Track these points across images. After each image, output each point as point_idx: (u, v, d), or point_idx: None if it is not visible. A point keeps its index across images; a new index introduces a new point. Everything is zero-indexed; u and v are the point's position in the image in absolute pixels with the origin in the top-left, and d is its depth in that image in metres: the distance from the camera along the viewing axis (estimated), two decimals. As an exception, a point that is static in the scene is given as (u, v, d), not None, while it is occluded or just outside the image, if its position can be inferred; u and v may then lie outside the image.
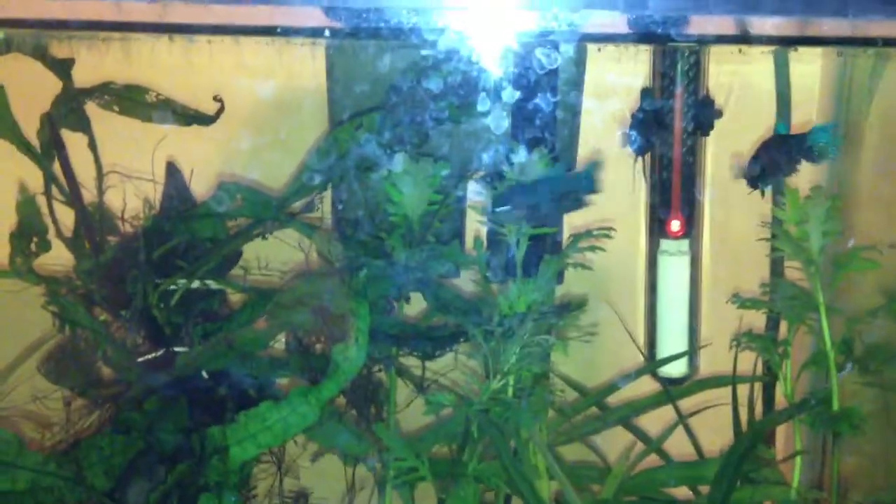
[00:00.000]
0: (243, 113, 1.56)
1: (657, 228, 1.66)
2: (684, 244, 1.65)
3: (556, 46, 1.15)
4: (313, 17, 0.99)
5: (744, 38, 1.07)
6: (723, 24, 1.06)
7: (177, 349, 1.43)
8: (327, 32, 0.98)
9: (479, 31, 1.03)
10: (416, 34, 1.01)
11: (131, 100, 1.59)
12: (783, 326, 1.64)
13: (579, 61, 1.45)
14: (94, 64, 1.51)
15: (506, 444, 1.37)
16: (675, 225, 1.64)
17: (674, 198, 1.64)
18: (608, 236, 1.46)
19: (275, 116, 1.55)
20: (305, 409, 1.17)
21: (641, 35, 1.10)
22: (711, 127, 1.64)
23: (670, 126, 1.62)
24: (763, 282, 1.61)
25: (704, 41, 1.09)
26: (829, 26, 1.10)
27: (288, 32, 0.99)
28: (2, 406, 1.52)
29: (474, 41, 1.12)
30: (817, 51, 1.54)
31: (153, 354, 1.42)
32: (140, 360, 1.41)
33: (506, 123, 1.35)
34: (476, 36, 1.06)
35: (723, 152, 1.66)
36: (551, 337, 1.33)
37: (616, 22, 1.08)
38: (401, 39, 1.06)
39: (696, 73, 1.59)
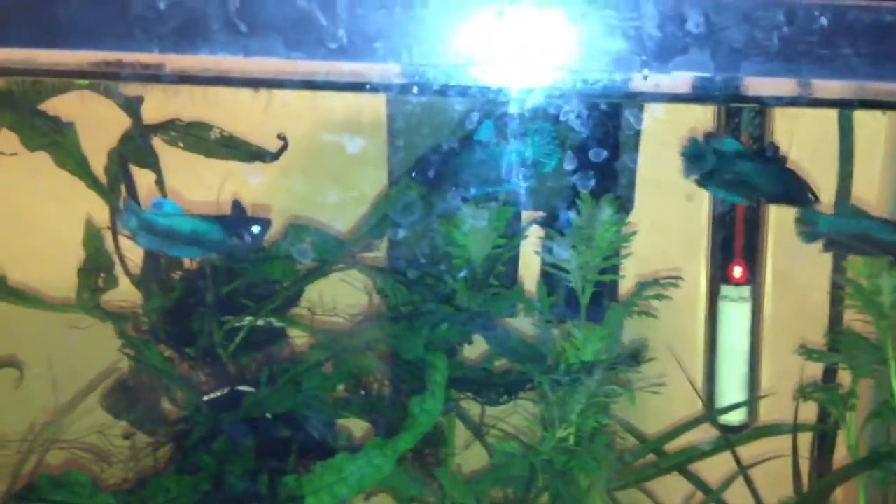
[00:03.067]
0: (307, 154, 1.57)
1: (718, 274, 1.65)
2: (746, 290, 1.64)
3: (640, 107, 1.15)
4: (390, 72, 1.00)
5: (808, 101, 1.07)
6: (788, 85, 1.06)
7: (241, 388, 1.44)
8: (416, 89, 0.99)
9: (561, 90, 1.03)
10: (503, 93, 1.01)
11: (196, 136, 1.61)
12: (840, 376, 1.63)
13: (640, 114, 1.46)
14: (165, 104, 1.53)
15: (569, 493, 1.36)
16: (738, 271, 1.63)
17: (736, 243, 1.63)
18: (675, 285, 1.46)
19: (338, 160, 1.56)
20: (381, 460, 1.17)
21: (704, 96, 1.10)
22: (777, 174, 1.63)
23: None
24: (824, 331, 1.60)
25: (766, 103, 1.09)
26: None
27: (377, 89, 1.00)
28: (65, 439, 1.53)
29: (553, 98, 1.12)
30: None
31: (218, 393, 1.42)
32: (205, 398, 1.41)
33: (588, 175, 1.35)
34: (557, 94, 1.06)
35: (787, 200, 1.65)
36: (619, 388, 1.32)
37: (678, 83, 1.07)
38: (481, 98, 1.07)
39: (761, 120, 1.59)
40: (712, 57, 0.97)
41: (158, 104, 1.56)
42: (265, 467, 1.25)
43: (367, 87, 1.01)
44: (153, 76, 1.01)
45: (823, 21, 0.96)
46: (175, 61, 1.03)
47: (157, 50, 1.01)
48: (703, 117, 1.63)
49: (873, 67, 0.98)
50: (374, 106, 1.54)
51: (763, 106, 1.44)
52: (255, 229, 1.25)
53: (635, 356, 1.45)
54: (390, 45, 1.00)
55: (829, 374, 1.66)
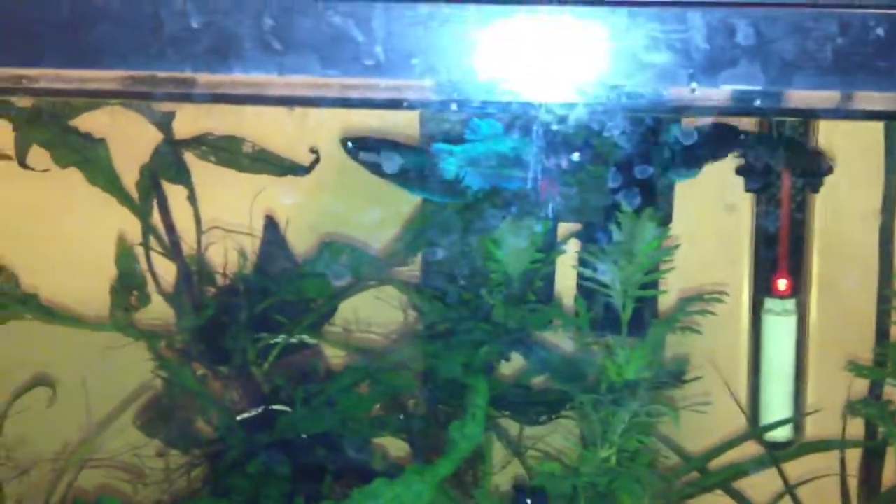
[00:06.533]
0: (341, 171, 1.55)
1: (762, 287, 1.61)
2: (791, 303, 1.60)
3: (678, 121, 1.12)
4: (422, 89, 0.98)
5: (850, 113, 1.03)
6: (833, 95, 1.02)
7: (275, 407, 1.41)
8: (454, 106, 0.96)
9: (602, 105, 1.00)
10: (541, 108, 0.98)
11: (227, 150, 1.59)
12: (889, 391, 1.58)
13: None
14: (198, 118, 1.52)
15: (612, 514, 1.33)
16: (782, 283, 1.59)
17: (781, 255, 1.59)
18: (720, 300, 1.42)
19: (373, 177, 1.54)
20: (420, 486, 1.15)
21: (744, 109, 1.06)
22: (822, 183, 1.58)
23: (779, 178, 1.58)
24: (872, 345, 1.56)
25: (807, 115, 1.05)
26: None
27: (414, 106, 0.97)
28: (98, 457, 1.52)
29: (596, 115, 1.09)
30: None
31: (252, 413, 1.41)
32: (239, 418, 1.39)
33: (633, 193, 1.32)
34: (597, 110, 1.04)
35: (832, 210, 1.61)
36: (663, 408, 1.29)
37: (720, 95, 1.04)
38: (526, 113, 1.04)
39: (805, 128, 1.55)
40: (762, 70, 0.94)
41: (189, 119, 1.55)
42: (301, 490, 1.23)
43: (405, 104, 0.98)
44: (185, 95, 0.99)
45: (879, 31, 0.93)
46: (208, 79, 1.01)
47: (190, 70, 0.99)
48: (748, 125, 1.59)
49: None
50: (409, 122, 1.51)
51: (809, 118, 1.39)
52: None
53: (678, 374, 1.41)
54: (427, 62, 0.97)
55: (877, 388, 1.61)
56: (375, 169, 1.22)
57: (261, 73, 0.97)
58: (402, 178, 1.18)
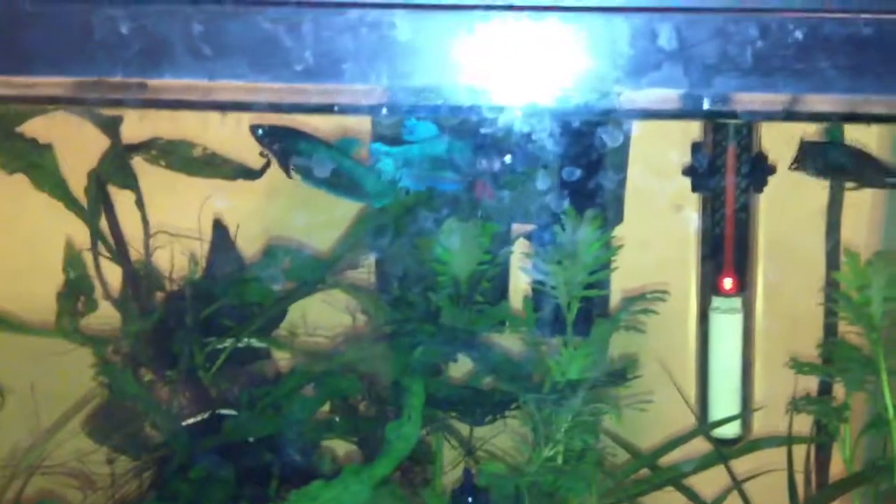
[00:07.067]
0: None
1: (709, 285, 1.63)
2: (736, 301, 1.61)
3: (616, 123, 1.13)
4: (372, 95, 0.98)
5: (794, 115, 1.04)
6: (778, 98, 1.04)
7: (223, 412, 1.41)
8: (385, 111, 0.97)
9: (536, 108, 1.01)
10: (475, 112, 0.99)
11: (178, 154, 1.59)
12: (836, 387, 1.60)
13: (628, 130, 1.44)
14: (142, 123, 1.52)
15: (556, 514, 1.34)
16: (728, 282, 1.61)
17: (726, 254, 1.61)
18: (662, 300, 1.43)
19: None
20: (358, 487, 1.15)
21: (693, 112, 1.08)
22: (765, 183, 1.60)
23: (722, 179, 1.59)
24: (818, 342, 1.58)
25: (757, 119, 1.06)
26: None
27: (346, 111, 0.98)
28: (47, 465, 1.52)
29: (531, 118, 1.10)
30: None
31: (199, 418, 1.40)
32: (185, 423, 1.39)
33: (560, 195, 1.33)
34: (533, 113, 1.04)
35: (777, 210, 1.63)
36: (605, 406, 1.30)
37: (667, 97, 1.06)
38: (457, 116, 1.05)
39: (749, 130, 1.56)
40: (685, 73, 0.95)
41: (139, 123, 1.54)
42: (245, 494, 1.23)
43: (336, 108, 0.99)
44: (118, 101, 0.99)
45: (799, 35, 0.94)
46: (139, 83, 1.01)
47: (121, 75, 0.99)
48: (692, 128, 1.61)
49: (852, 81, 0.96)
50: (361, 127, 1.51)
51: (747, 120, 1.41)
52: None
53: (622, 373, 1.43)
54: (358, 67, 0.98)
55: (825, 386, 1.63)
56: (281, 158, 1.22)
57: (191, 78, 0.98)
58: (306, 173, 1.18)
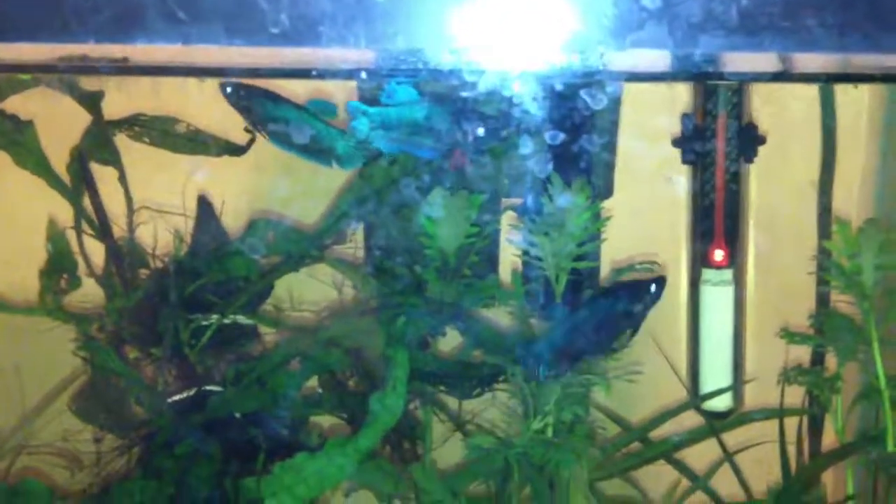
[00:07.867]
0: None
1: (700, 258, 1.61)
2: (728, 274, 1.60)
3: (601, 86, 1.11)
4: (350, 57, 0.96)
5: (787, 76, 1.02)
6: (769, 60, 1.02)
7: (209, 388, 1.40)
8: (363, 74, 0.95)
9: (519, 72, 0.99)
10: (456, 76, 0.97)
11: (162, 131, 1.57)
12: (829, 358, 1.59)
13: (617, 96, 1.41)
14: (123, 97, 1.50)
15: (546, 487, 1.33)
16: (719, 254, 1.59)
17: (717, 226, 1.59)
18: (651, 270, 1.42)
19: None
20: (342, 460, 1.14)
21: (680, 73, 1.06)
22: (755, 153, 1.59)
23: (712, 150, 1.58)
24: (810, 313, 1.56)
25: (745, 79, 1.04)
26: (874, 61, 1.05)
27: (324, 75, 0.96)
28: (33, 444, 1.50)
29: (515, 82, 1.08)
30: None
31: (184, 394, 1.39)
32: (170, 400, 1.38)
33: (545, 160, 1.31)
34: (517, 76, 1.02)
35: (768, 181, 1.61)
36: (593, 377, 1.28)
37: (655, 60, 1.04)
38: (439, 81, 1.03)
39: (739, 98, 1.54)
40: (669, 32, 0.93)
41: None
42: (231, 470, 1.22)
43: (314, 73, 0.97)
44: (90, 68, 0.97)
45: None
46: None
47: (94, 41, 0.97)
48: (682, 97, 1.59)
49: (840, 38, 0.94)
50: (347, 93, 1.49)
51: (739, 82, 1.39)
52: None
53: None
54: (335, 30, 0.96)
55: (818, 356, 1.62)
56: (248, 116, 1.19)
57: (165, 43, 0.96)
58: (278, 136, 1.16)
